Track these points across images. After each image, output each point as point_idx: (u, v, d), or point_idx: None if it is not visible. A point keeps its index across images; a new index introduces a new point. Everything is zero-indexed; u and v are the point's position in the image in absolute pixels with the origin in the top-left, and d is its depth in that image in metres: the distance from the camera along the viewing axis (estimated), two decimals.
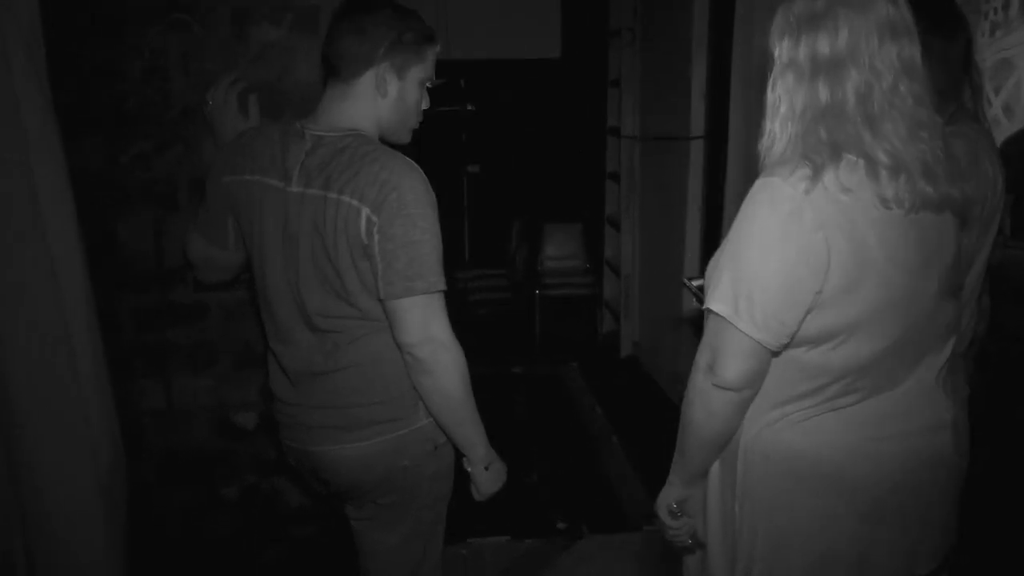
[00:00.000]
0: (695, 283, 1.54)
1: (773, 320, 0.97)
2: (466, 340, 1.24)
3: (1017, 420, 1.64)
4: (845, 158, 0.97)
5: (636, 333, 4.10)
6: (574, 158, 4.72)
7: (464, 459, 1.32)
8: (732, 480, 1.11)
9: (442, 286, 1.19)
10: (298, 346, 1.28)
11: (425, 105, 1.30)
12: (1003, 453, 1.57)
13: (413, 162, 1.21)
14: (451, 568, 1.47)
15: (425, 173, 1.21)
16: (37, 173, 1.16)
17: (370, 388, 1.27)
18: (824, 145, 0.97)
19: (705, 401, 1.05)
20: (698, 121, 3.19)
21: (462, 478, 1.36)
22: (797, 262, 0.96)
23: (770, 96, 1.04)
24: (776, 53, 1.03)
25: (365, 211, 1.16)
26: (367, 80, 1.23)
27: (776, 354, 1.02)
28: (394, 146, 1.27)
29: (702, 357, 1.05)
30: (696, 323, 3.39)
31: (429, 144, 1.34)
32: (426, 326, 1.18)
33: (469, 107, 4.56)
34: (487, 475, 1.31)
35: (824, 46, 0.98)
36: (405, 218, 1.15)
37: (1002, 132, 1.66)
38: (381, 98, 1.24)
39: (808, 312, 0.98)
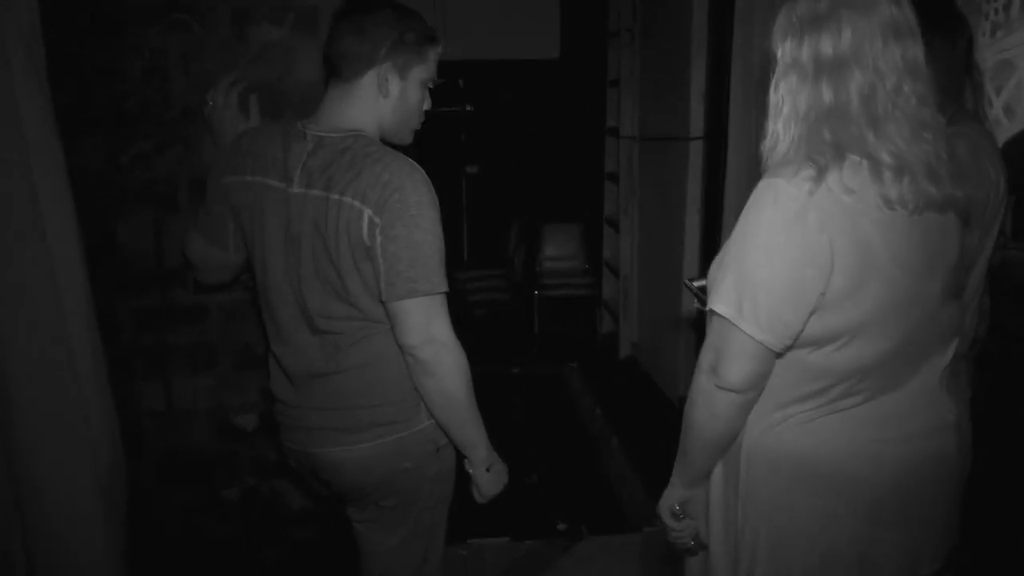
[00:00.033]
0: (696, 284, 1.54)
1: (777, 321, 0.97)
2: (465, 340, 1.23)
3: (1018, 420, 1.64)
4: (849, 159, 0.97)
5: (635, 334, 4.10)
6: (573, 158, 4.72)
7: (465, 461, 1.32)
8: (735, 481, 1.10)
9: (444, 287, 1.19)
10: (299, 347, 1.28)
11: (427, 105, 1.30)
12: (1004, 453, 1.58)
13: (415, 163, 1.20)
14: (451, 569, 1.47)
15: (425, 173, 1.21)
16: (37, 173, 1.16)
17: (372, 390, 1.27)
18: (828, 146, 0.97)
19: (708, 402, 1.05)
20: (697, 122, 3.19)
21: (462, 479, 1.36)
22: (801, 263, 0.95)
23: (773, 97, 1.04)
24: (779, 54, 1.03)
25: (367, 212, 1.15)
26: (369, 80, 1.22)
27: (780, 355, 1.02)
28: (395, 147, 1.26)
29: (705, 358, 1.05)
30: (695, 324, 3.40)
31: (428, 144, 1.34)
32: (428, 327, 1.18)
33: (468, 107, 4.56)
34: (489, 477, 1.31)
35: (827, 47, 0.97)
36: (407, 219, 1.15)
37: (1003, 133, 1.66)
38: (383, 98, 1.23)
39: (812, 313, 0.98)
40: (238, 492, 1.89)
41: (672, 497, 1.17)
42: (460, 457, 1.33)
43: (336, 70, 1.23)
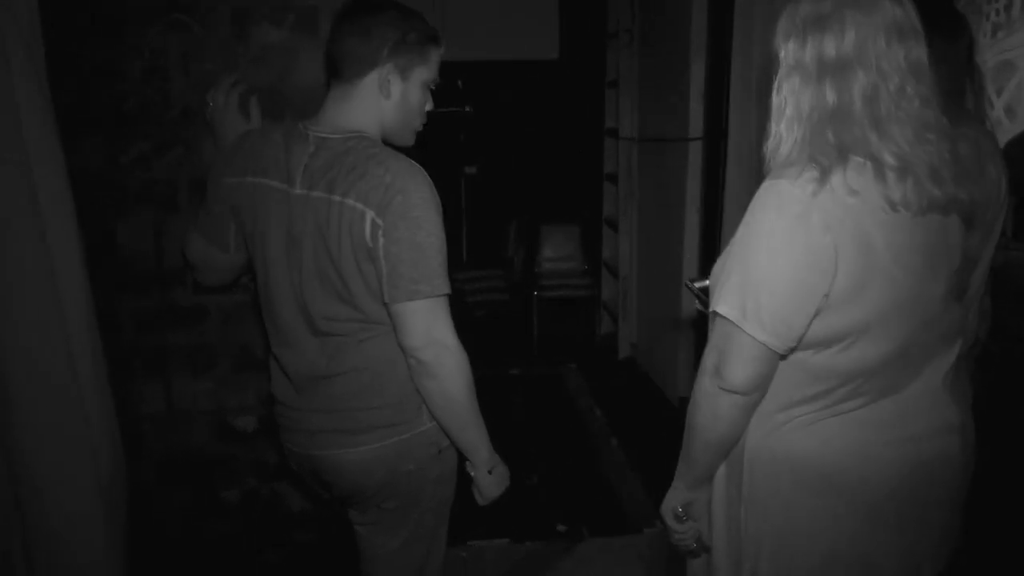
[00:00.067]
0: (698, 285, 1.53)
1: (780, 323, 0.97)
2: (464, 341, 1.23)
3: (1020, 421, 1.64)
4: (852, 160, 0.96)
5: (634, 334, 4.10)
6: (572, 159, 4.72)
7: (467, 463, 1.31)
8: (737, 483, 1.10)
9: (447, 289, 1.18)
10: (301, 350, 1.28)
11: (429, 107, 1.29)
12: (1005, 454, 1.58)
13: (418, 165, 1.20)
14: (451, 571, 1.47)
15: None
16: (37, 173, 1.16)
17: (373, 392, 1.26)
18: (831, 147, 0.97)
19: (711, 404, 1.05)
20: (696, 122, 3.19)
21: (463, 481, 1.35)
22: (805, 265, 0.95)
23: (775, 98, 1.04)
24: (781, 55, 1.03)
25: (370, 214, 1.15)
26: (370, 81, 1.22)
27: (783, 357, 1.02)
28: (397, 147, 1.26)
29: (708, 360, 1.04)
30: (695, 325, 3.40)
31: (427, 145, 1.34)
32: (430, 329, 1.18)
33: (467, 108, 4.56)
34: (490, 479, 1.30)
35: (830, 48, 0.97)
36: (410, 221, 1.15)
37: (1004, 134, 1.66)
38: (384, 99, 1.23)
39: (815, 315, 0.98)
40: (238, 494, 1.88)
41: (675, 499, 1.16)
42: (461, 459, 1.33)
43: (338, 71, 1.23)
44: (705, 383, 1.05)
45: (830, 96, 0.97)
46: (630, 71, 3.91)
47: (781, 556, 1.10)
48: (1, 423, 1.16)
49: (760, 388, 1.03)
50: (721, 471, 1.13)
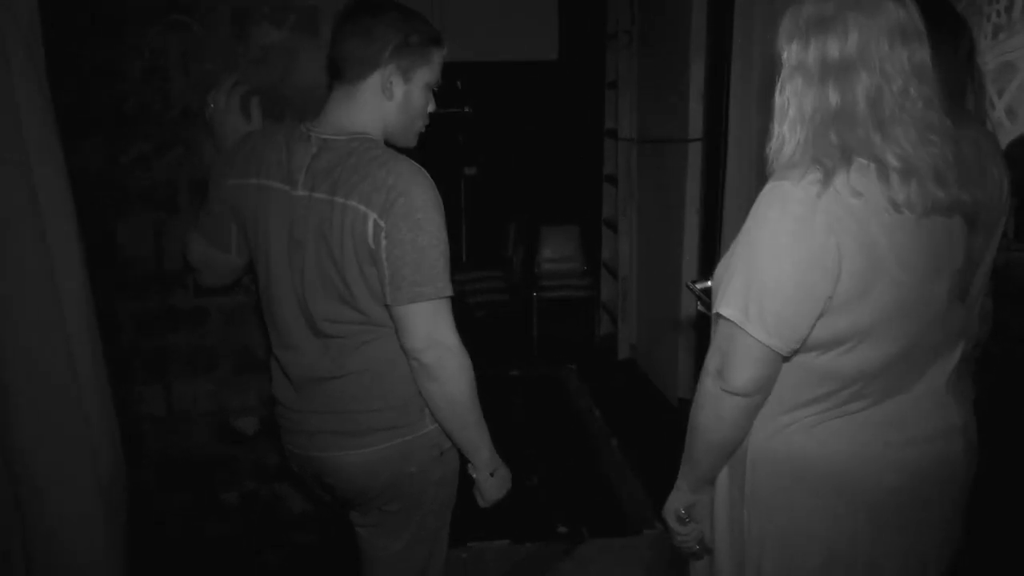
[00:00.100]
0: (699, 286, 1.53)
1: (784, 325, 0.97)
2: (463, 342, 1.23)
3: (1021, 422, 1.64)
4: (856, 161, 0.96)
5: (634, 335, 4.10)
6: (571, 160, 4.72)
7: (469, 465, 1.31)
8: (740, 484, 1.10)
9: (449, 292, 1.18)
10: (303, 351, 1.27)
11: (431, 108, 1.29)
12: (1007, 455, 1.58)
13: (420, 166, 1.19)
14: (452, 572, 1.46)
15: None
16: (37, 173, 1.16)
17: (375, 394, 1.26)
18: (835, 149, 0.96)
19: (714, 406, 1.05)
20: (696, 123, 3.19)
21: (463, 483, 1.35)
22: (808, 266, 0.95)
23: (778, 99, 1.03)
24: (784, 56, 1.03)
25: (372, 216, 1.14)
26: (373, 83, 1.21)
27: (786, 359, 1.02)
28: (398, 149, 1.26)
29: (711, 362, 1.04)
30: (694, 326, 3.39)
31: (427, 146, 1.33)
32: (433, 331, 1.17)
33: (466, 109, 4.56)
34: (492, 481, 1.30)
35: (834, 49, 0.97)
36: (413, 223, 1.14)
37: (1006, 135, 1.67)
38: (387, 101, 1.22)
39: (819, 317, 0.98)
40: (238, 496, 1.88)
41: (678, 501, 1.16)
42: (463, 461, 1.33)
43: (340, 72, 1.22)
44: (708, 385, 1.04)
45: (833, 97, 0.97)
46: (629, 72, 3.91)
47: (784, 557, 1.09)
48: (1, 423, 1.16)
49: (763, 390, 1.03)
50: (724, 473, 1.13)
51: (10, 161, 1.12)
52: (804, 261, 0.95)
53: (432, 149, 1.32)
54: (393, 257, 1.15)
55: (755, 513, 1.09)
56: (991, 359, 1.49)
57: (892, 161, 0.95)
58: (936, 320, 1.03)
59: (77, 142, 1.53)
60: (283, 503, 1.89)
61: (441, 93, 1.31)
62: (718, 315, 1.03)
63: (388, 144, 1.25)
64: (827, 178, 0.95)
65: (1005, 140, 1.65)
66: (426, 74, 1.24)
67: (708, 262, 3.13)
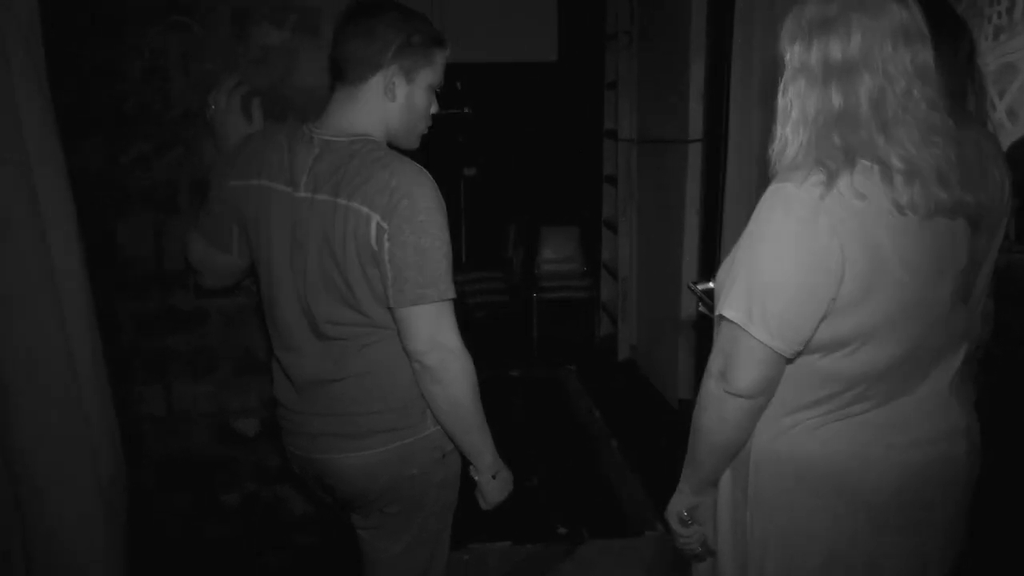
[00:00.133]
0: (701, 287, 1.53)
1: (787, 327, 0.97)
2: (463, 343, 1.22)
3: (1022, 423, 1.64)
4: (859, 163, 0.96)
5: (633, 336, 4.10)
6: (571, 161, 4.72)
7: (471, 467, 1.31)
8: (743, 486, 1.10)
9: (452, 294, 1.18)
10: (305, 353, 1.27)
11: (434, 109, 1.28)
12: (1008, 456, 1.57)
13: (423, 168, 1.19)
14: (453, 573, 1.46)
15: None
16: (37, 173, 1.15)
17: (377, 396, 1.25)
18: (838, 150, 0.96)
19: (718, 408, 1.04)
20: (696, 124, 3.19)
21: (464, 484, 1.35)
22: (812, 268, 0.95)
23: (781, 100, 1.03)
24: (787, 57, 1.02)
25: (375, 218, 1.14)
26: (375, 84, 1.21)
27: (790, 361, 1.01)
28: (400, 150, 1.25)
29: (714, 364, 1.04)
30: (695, 327, 3.38)
31: (426, 146, 1.33)
32: (436, 334, 1.17)
33: (466, 110, 4.56)
34: (494, 484, 1.30)
35: (836, 51, 0.97)
36: (416, 225, 1.14)
37: (1007, 136, 1.66)
38: (389, 102, 1.22)
39: (822, 319, 0.97)
40: (238, 497, 1.87)
41: (680, 503, 1.16)
42: (464, 463, 1.32)
43: (342, 73, 1.22)
44: (711, 387, 1.04)
45: (836, 99, 0.97)
46: (629, 72, 3.91)
47: (785, 557, 1.09)
48: (1, 423, 1.15)
49: (766, 392, 1.03)
50: (726, 475, 1.13)
51: (10, 161, 1.12)
52: (807, 263, 0.95)
53: (432, 150, 1.32)
54: (396, 259, 1.14)
55: (758, 514, 1.09)
56: (992, 360, 1.49)
57: (895, 163, 0.95)
58: (939, 322, 1.03)
59: (77, 142, 1.52)
60: (284, 505, 1.89)
61: (441, 94, 1.31)
62: (721, 317, 1.02)
63: (390, 145, 1.25)
64: (830, 180, 0.94)
65: (1006, 141, 1.65)
66: (429, 75, 1.24)
67: (708, 263, 3.13)
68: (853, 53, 0.96)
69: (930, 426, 1.07)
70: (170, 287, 1.74)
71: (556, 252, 4.62)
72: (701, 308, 1.50)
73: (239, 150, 1.31)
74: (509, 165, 4.91)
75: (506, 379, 3.82)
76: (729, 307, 1.00)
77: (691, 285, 1.58)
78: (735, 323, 0.99)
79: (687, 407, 3.30)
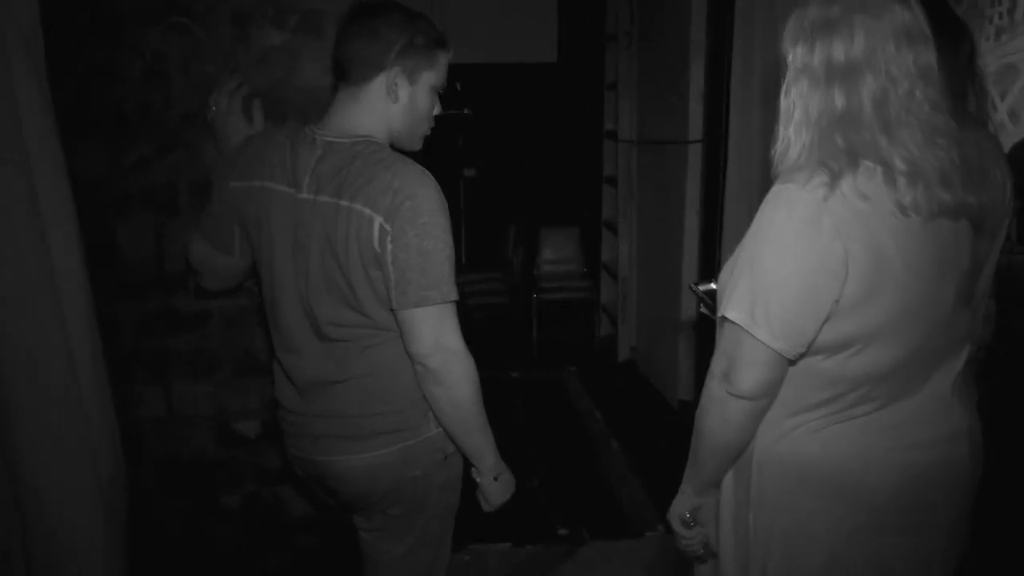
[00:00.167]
0: (702, 288, 1.53)
1: (791, 329, 0.96)
2: None
3: None
4: (862, 165, 0.96)
5: (634, 337, 4.10)
6: (571, 162, 4.72)
7: (473, 469, 1.30)
8: (746, 487, 1.10)
9: (455, 296, 1.18)
10: (307, 355, 1.26)
11: (437, 111, 1.28)
12: (1010, 458, 1.57)
13: (426, 170, 1.19)
14: (453, 575, 1.46)
15: None
16: (37, 173, 1.15)
17: (379, 398, 1.25)
18: (841, 152, 0.96)
19: (720, 410, 1.04)
20: (696, 124, 3.19)
21: (466, 486, 1.35)
22: (815, 270, 0.95)
23: (783, 101, 1.03)
24: (789, 58, 1.02)
25: (378, 220, 1.14)
26: (378, 85, 1.20)
27: (792, 362, 1.01)
28: (402, 152, 1.25)
29: (717, 365, 1.04)
30: (695, 327, 3.38)
31: (426, 147, 1.33)
32: (438, 336, 1.17)
33: (466, 111, 4.56)
34: (496, 486, 1.29)
35: (839, 52, 0.97)
36: (419, 227, 1.14)
37: (1008, 137, 1.66)
38: (392, 103, 1.22)
39: (825, 320, 0.97)
40: (239, 499, 1.87)
41: (683, 505, 1.16)
42: (466, 465, 1.32)
43: (344, 74, 1.22)
44: (714, 388, 1.04)
45: (839, 100, 0.97)
46: (629, 73, 3.92)
47: (787, 558, 1.09)
48: (1, 423, 1.15)
49: (769, 394, 1.02)
50: (729, 476, 1.13)
51: (10, 161, 1.12)
52: (810, 264, 0.95)
53: (432, 151, 1.31)
54: (399, 261, 1.14)
55: (760, 516, 1.09)
56: (994, 361, 1.49)
57: (898, 164, 0.95)
58: (942, 324, 1.03)
59: (77, 143, 1.52)
60: (284, 506, 1.88)
61: (441, 95, 1.31)
62: (724, 318, 1.02)
63: (393, 147, 1.25)
64: (833, 181, 0.94)
65: (1008, 143, 1.64)
66: (431, 76, 1.23)
67: (708, 264, 3.13)
68: (856, 54, 0.96)
69: (932, 428, 1.07)
70: (171, 288, 1.74)
71: (556, 253, 4.62)
72: (703, 309, 1.50)
73: (241, 151, 1.31)
74: (509, 166, 4.91)
75: (506, 380, 3.82)
76: (732, 309, 1.00)
77: (693, 286, 1.58)
78: (738, 325, 0.99)
79: (687, 408, 3.32)
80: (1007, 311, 1.49)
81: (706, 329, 3.10)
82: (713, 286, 1.31)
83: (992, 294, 1.45)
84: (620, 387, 3.81)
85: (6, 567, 1.19)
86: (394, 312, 1.18)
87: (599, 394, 3.62)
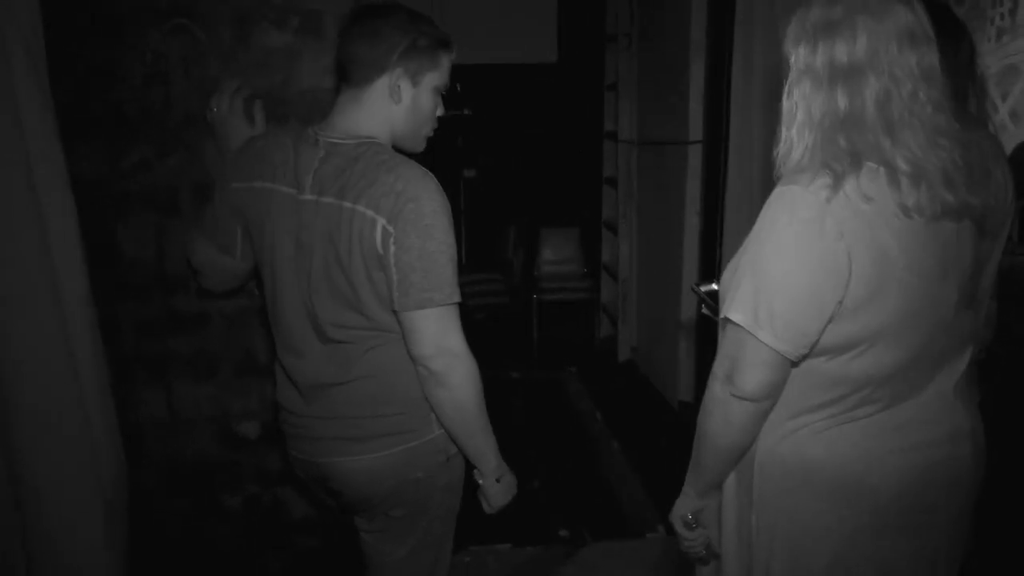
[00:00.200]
0: (704, 289, 1.53)
1: (794, 330, 0.96)
2: None
3: None
4: (865, 166, 0.96)
5: (634, 338, 4.10)
6: (571, 162, 4.72)
7: (475, 471, 1.30)
8: (748, 489, 1.09)
9: (457, 298, 1.17)
10: (309, 357, 1.26)
11: (440, 112, 1.28)
12: (1012, 458, 1.57)
13: (428, 171, 1.18)
14: None
15: None
16: (37, 173, 1.15)
17: (381, 400, 1.25)
18: (844, 153, 0.96)
19: (723, 411, 1.04)
20: (696, 125, 3.19)
21: (467, 487, 1.35)
22: (818, 271, 0.95)
23: (786, 102, 1.03)
24: (792, 59, 1.02)
25: (381, 222, 1.13)
26: (380, 86, 1.20)
27: (795, 364, 1.01)
28: (405, 153, 1.25)
29: (720, 367, 1.03)
30: (695, 328, 3.38)
31: (426, 148, 1.33)
32: (441, 338, 1.16)
33: (466, 111, 4.56)
34: (498, 487, 1.29)
35: (842, 53, 0.97)
36: (422, 229, 1.13)
37: (1010, 138, 1.66)
38: (394, 105, 1.21)
39: (829, 322, 0.97)
40: (240, 500, 1.87)
41: (685, 506, 1.15)
42: (469, 467, 1.32)
43: (347, 75, 1.21)
44: (717, 390, 1.04)
45: (842, 101, 0.97)
46: (629, 74, 3.92)
47: (791, 559, 1.09)
48: (1, 423, 1.15)
49: (772, 395, 1.02)
50: (731, 477, 1.12)
51: (10, 161, 1.11)
52: (814, 266, 0.95)
53: (431, 151, 1.31)
54: (402, 263, 1.14)
55: (763, 517, 1.09)
56: (995, 362, 1.49)
57: (902, 165, 0.95)
58: (945, 325, 1.03)
59: (78, 144, 1.52)
60: (285, 508, 1.88)
61: (444, 96, 1.30)
62: (726, 320, 1.02)
63: (396, 148, 1.24)
64: (837, 183, 0.94)
65: (1009, 143, 1.64)
66: (434, 78, 1.23)
67: (708, 264, 3.13)
68: (859, 55, 0.96)
69: (935, 429, 1.07)
70: (171, 290, 1.73)
71: (556, 253, 4.62)
72: (704, 310, 1.50)
73: (243, 152, 1.30)
74: (509, 167, 4.91)
75: (506, 381, 3.82)
76: (735, 310, 0.99)
77: (694, 287, 1.58)
78: (741, 326, 0.99)
79: (687, 408, 3.32)
80: (1008, 311, 1.49)
81: (706, 330, 3.11)
82: (714, 287, 1.30)
83: (993, 295, 1.45)
84: (620, 388, 3.81)
85: (6, 567, 1.19)
86: (396, 314, 1.18)
87: (599, 395, 3.62)
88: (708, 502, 1.15)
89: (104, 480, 1.25)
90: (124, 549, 1.30)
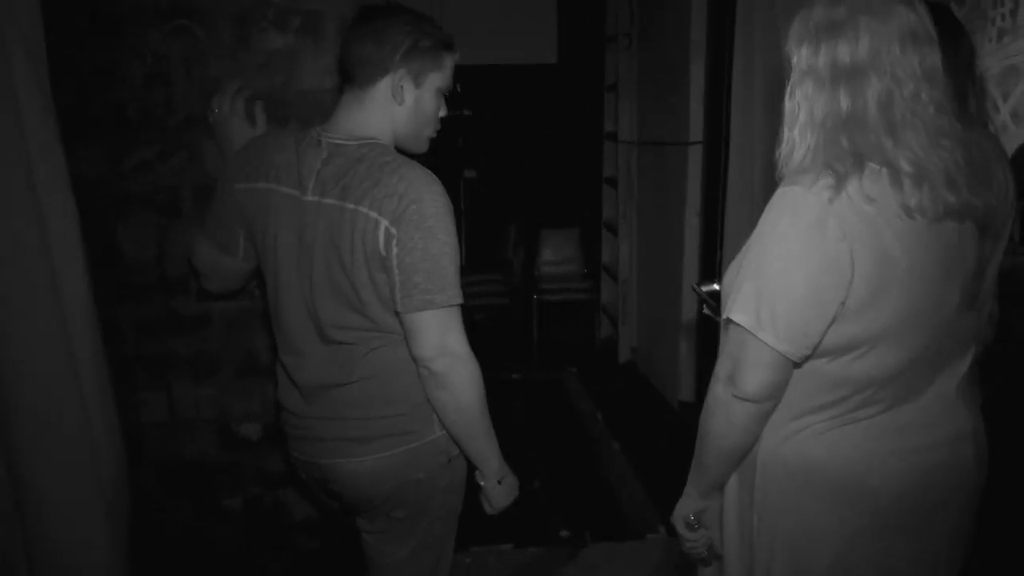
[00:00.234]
0: (705, 289, 1.53)
1: (796, 331, 0.96)
2: None
3: None
4: (868, 167, 0.96)
5: (634, 338, 4.10)
6: (571, 163, 4.73)
7: (476, 472, 1.30)
8: (750, 490, 1.09)
9: (460, 299, 1.17)
10: (310, 358, 1.26)
11: (442, 113, 1.28)
12: (1014, 459, 1.57)
13: (431, 173, 1.18)
14: None
15: None
16: (37, 174, 1.15)
17: (383, 400, 1.25)
18: (846, 154, 0.96)
19: (725, 412, 1.04)
20: (696, 126, 3.19)
21: (468, 488, 1.34)
22: (821, 272, 0.94)
23: (788, 103, 1.03)
24: (794, 60, 1.02)
25: (383, 223, 1.13)
26: (383, 87, 1.20)
27: (798, 365, 1.01)
28: (408, 154, 1.25)
29: (722, 368, 1.03)
30: (695, 328, 3.37)
31: (429, 150, 1.33)
32: (443, 340, 1.16)
33: (466, 112, 4.56)
34: (500, 489, 1.29)
35: (844, 54, 0.96)
36: (424, 231, 1.13)
37: (1011, 139, 1.66)
38: (397, 106, 1.21)
39: (831, 323, 0.97)
40: (240, 501, 1.86)
41: (687, 507, 1.15)
42: (470, 468, 1.32)
43: (350, 76, 1.21)
44: (719, 391, 1.04)
45: (844, 102, 0.97)
46: (629, 74, 3.92)
47: (792, 560, 1.09)
48: (1, 423, 1.15)
49: (774, 396, 1.02)
50: (733, 478, 1.12)
51: (11, 161, 1.11)
52: (816, 267, 0.95)
53: (431, 152, 1.31)
54: (404, 264, 1.14)
55: (765, 518, 1.09)
56: (996, 362, 1.48)
57: (904, 166, 0.95)
58: (947, 326, 1.03)
59: (78, 146, 1.52)
60: (286, 509, 1.88)
61: (447, 97, 1.30)
62: (729, 321, 1.02)
63: (398, 149, 1.24)
64: (839, 183, 0.94)
65: (1010, 144, 1.64)
66: (437, 79, 1.23)
67: (709, 264, 3.13)
68: (861, 56, 0.96)
69: (937, 430, 1.07)
70: (172, 291, 1.73)
71: (556, 254, 4.63)
72: (705, 310, 1.50)
73: (245, 153, 1.30)
74: (509, 167, 4.91)
75: (507, 382, 3.82)
76: (737, 311, 0.99)
77: (695, 287, 1.58)
78: (743, 327, 0.98)
79: (688, 409, 3.31)
80: (1009, 312, 1.49)
81: (707, 330, 3.11)
82: (716, 287, 1.30)
83: (995, 295, 1.44)
84: (621, 388, 3.81)
85: (6, 567, 1.19)
86: (399, 315, 1.18)
87: (600, 395, 3.62)
88: (710, 503, 1.15)
89: (104, 480, 1.25)
90: (124, 549, 1.30)
